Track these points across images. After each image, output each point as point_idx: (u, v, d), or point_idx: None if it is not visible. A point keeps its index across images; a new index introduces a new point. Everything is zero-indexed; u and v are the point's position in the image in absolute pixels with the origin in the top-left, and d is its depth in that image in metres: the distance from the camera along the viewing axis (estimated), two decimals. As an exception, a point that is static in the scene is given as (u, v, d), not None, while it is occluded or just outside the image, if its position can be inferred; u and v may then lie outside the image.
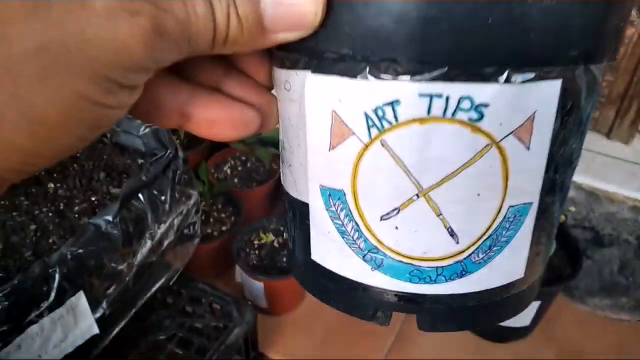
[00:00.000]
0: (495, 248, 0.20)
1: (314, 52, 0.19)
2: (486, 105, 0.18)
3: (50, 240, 0.54)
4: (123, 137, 0.69)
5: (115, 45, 0.15)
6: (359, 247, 0.21)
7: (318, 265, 0.23)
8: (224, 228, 0.95)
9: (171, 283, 0.66)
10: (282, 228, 0.94)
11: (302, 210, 0.23)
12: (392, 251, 0.21)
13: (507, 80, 0.17)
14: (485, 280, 0.21)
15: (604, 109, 1.07)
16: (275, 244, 0.91)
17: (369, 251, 0.21)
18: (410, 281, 0.21)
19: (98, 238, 0.52)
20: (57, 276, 0.48)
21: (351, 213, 0.21)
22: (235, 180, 1.06)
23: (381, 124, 0.18)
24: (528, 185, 0.20)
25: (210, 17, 0.16)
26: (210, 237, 0.92)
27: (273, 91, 0.23)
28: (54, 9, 0.14)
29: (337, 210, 0.21)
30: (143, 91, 0.18)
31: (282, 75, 0.21)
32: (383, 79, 0.18)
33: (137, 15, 0.15)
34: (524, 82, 0.17)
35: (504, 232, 0.20)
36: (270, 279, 0.83)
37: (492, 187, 0.19)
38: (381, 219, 0.20)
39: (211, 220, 0.97)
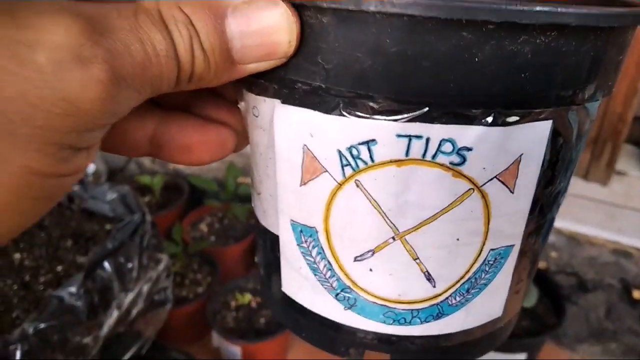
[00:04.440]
0: (473, 291, 0.19)
1: (284, 81, 0.17)
2: (469, 149, 0.16)
3: (14, 315, 0.53)
4: (91, 202, 0.68)
5: (66, 107, 0.12)
6: (332, 285, 0.20)
7: (289, 298, 0.22)
8: (199, 290, 0.90)
9: (142, 353, 0.63)
10: (259, 287, 0.91)
11: (272, 240, 0.21)
12: (366, 292, 0.19)
13: (493, 123, 0.16)
14: (461, 322, 0.20)
15: (580, 152, 1.06)
16: (253, 304, 0.87)
17: (342, 290, 0.20)
18: (384, 322, 0.20)
19: (61, 311, 0.50)
20: (18, 353, 0.47)
21: (324, 251, 0.19)
22: (213, 238, 1.02)
23: (356, 163, 0.17)
24: (510, 228, 0.18)
25: (172, 54, 0.14)
26: (185, 300, 0.87)
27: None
28: None
29: (308, 247, 0.20)
30: None
31: (250, 99, 0.19)
32: (358, 116, 0.16)
33: (90, 63, 0.12)
34: (511, 124, 0.16)
35: (483, 275, 0.19)
36: (248, 343, 0.80)
37: (473, 231, 0.18)
38: (355, 260, 0.19)
39: (186, 282, 0.92)
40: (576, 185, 1.05)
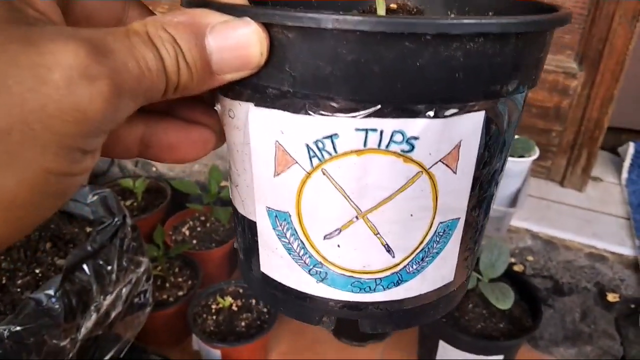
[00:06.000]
0: (427, 259, 0.22)
1: (257, 87, 0.19)
2: (416, 138, 0.19)
3: (-10, 318, 0.52)
4: (71, 205, 0.67)
5: (77, 116, 0.14)
6: (305, 262, 0.23)
7: (267, 277, 0.25)
8: (180, 293, 0.92)
9: (121, 356, 0.63)
10: (241, 290, 0.90)
11: (250, 226, 0.24)
12: (335, 266, 0.22)
13: (435, 116, 0.19)
14: (418, 287, 0.23)
15: (556, 158, 1.08)
16: (234, 308, 0.89)
17: (314, 266, 0.23)
18: (352, 291, 0.23)
19: (38, 314, 0.50)
20: (-8, 356, 0.46)
21: (297, 233, 0.22)
22: (194, 241, 1.02)
23: (322, 154, 0.20)
24: (455, 204, 0.22)
25: (161, 69, 0.16)
26: (166, 304, 0.89)
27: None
28: (12, 89, 0.14)
29: (283, 230, 0.22)
30: None
31: (226, 103, 0.21)
32: (322, 114, 0.19)
33: (96, 80, 0.14)
34: (450, 116, 0.19)
35: (434, 245, 0.22)
36: (228, 346, 0.80)
37: (424, 207, 0.21)
38: (324, 238, 0.22)
39: (167, 285, 0.93)
40: (553, 191, 1.08)
